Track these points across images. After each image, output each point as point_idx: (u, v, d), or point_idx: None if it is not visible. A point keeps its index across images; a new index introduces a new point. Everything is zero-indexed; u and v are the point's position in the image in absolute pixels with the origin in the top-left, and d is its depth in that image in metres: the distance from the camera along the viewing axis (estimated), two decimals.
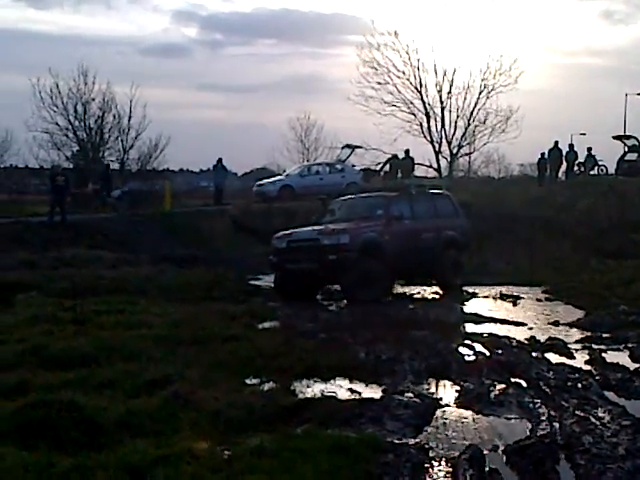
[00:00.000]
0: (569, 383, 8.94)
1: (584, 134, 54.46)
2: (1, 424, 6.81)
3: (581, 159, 38.12)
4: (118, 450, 6.29)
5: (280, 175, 37.73)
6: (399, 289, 18.63)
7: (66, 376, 8.66)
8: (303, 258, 16.21)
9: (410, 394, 8.49)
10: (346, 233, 16.18)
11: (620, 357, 10.55)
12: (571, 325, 13.18)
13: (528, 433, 7.15)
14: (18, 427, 6.70)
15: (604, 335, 12.08)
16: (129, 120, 39.98)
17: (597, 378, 9.24)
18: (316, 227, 17.19)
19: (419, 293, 18.18)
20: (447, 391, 8.81)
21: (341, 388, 8.83)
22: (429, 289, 18.49)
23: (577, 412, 7.70)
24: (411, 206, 17.97)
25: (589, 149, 38.57)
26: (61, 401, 7.04)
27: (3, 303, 14.23)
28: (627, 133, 41.98)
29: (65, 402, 7.02)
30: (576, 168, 38.04)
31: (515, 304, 15.94)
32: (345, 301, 16.31)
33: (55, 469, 5.82)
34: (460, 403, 8.25)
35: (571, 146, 37.77)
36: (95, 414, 6.96)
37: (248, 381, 9.01)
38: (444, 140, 28.69)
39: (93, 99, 39.35)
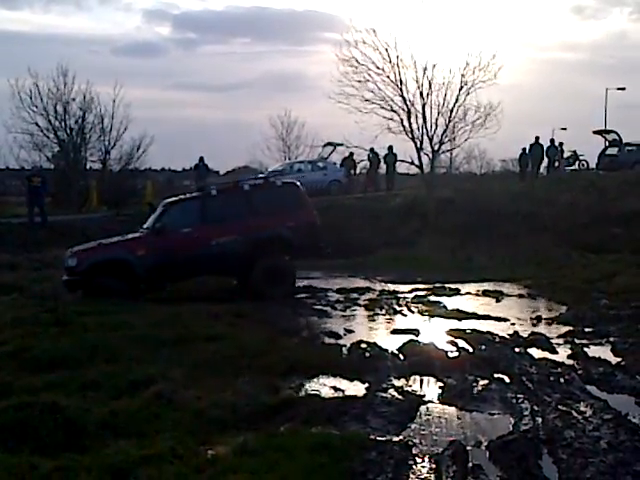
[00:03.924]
0: (551, 378, 9.00)
1: (565, 129, 54.74)
2: None
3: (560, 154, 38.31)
4: (101, 451, 6.29)
5: (262, 173, 37.69)
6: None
7: (48, 378, 8.65)
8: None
9: (393, 391, 8.53)
10: (74, 256, 15.80)
11: (602, 351, 10.61)
12: (553, 320, 13.23)
13: (511, 428, 7.20)
14: (0, 430, 6.67)
15: (586, 329, 12.13)
16: (112, 119, 39.78)
17: (579, 372, 9.30)
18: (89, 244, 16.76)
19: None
20: (430, 387, 8.84)
21: (324, 386, 8.86)
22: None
23: (559, 407, 7.75)
24: (203, 209, 16.47)
25: (561, 144, 38.58)
26: (43, 403, 7.02)
27: None
28: (607, 127, 42.12)
29: (47, 404, 7.00)
30: (557, 163, 38.20)
31: (498, 300, 15.96)
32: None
33: (37, 471, 5.82)
34: (443, 399, 8.30)
35: (552, 141, 37.88)
36: (77, 416, 6.95)
37: (231, 380, 8.99)
38: (425, 137, 28.51)
39: (73, 99, 39.15)
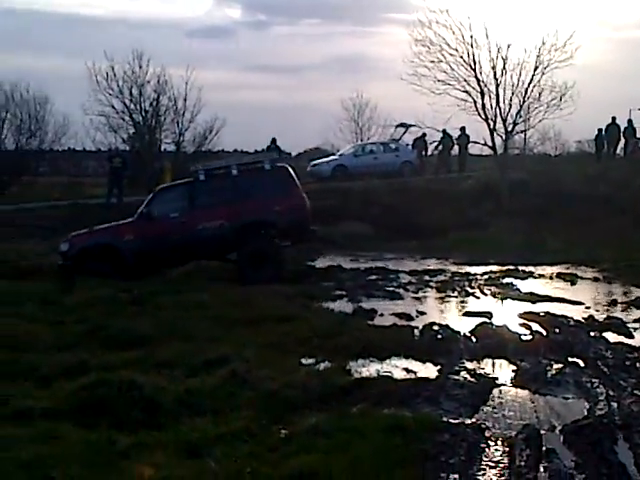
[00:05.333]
0: (627, 362, 8.86)
1: None
2: (62, 403, 6.97)
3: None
4: (177, 428, 6.40)
5: (334, 155, 37.59)
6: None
7: (125, 356, 8.82)
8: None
9: (466, 374, 8.50)
10: (67, 242, 16.31)
11: None
12: (629, 304, 13.01)
13: (586, 413, 7.11)
14: (79, 406, 6.86)
15: None
16: (185, 102, 40.09)
17: None
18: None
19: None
20: (503, 370, 8.78)
21: (397, 368, 8.87)
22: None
23: (635, 392, 7.63)
24: (192, 194, 16.59)
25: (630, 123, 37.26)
26: (121, 380, 7.16)
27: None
28: None
29: (125, 382, 7.15)
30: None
31: (573, 283, 15.75)
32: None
33: (115, 447, 5.95)
34: (517, 382, 8.23)
35: (630, 122, 37.05)
36: (154, 393, 7.08)
37: (304, 361, 9.08)
38: (499, 117, 28.05)
39: (148, 82, 39.54)
